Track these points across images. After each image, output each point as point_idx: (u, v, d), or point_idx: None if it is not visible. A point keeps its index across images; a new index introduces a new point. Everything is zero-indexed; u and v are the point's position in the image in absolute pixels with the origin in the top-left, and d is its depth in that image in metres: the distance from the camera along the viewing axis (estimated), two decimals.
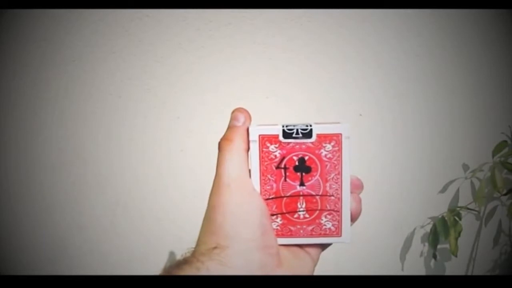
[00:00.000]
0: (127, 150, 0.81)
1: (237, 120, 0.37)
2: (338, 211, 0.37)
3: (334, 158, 0.36)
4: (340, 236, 0.37)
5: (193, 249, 0.34)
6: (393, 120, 0.82)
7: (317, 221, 0.37)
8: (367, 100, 0.81)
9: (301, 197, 0.37)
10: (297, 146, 0.36)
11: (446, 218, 0.81)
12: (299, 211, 0.37)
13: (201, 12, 0.76)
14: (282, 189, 0.36)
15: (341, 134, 0.36)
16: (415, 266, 0.87)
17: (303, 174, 0.36)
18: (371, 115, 0.82)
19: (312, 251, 0.38)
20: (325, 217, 0.37)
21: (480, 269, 0.86)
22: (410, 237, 0.87)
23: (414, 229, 0.86)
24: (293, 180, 0.36)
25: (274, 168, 0.36)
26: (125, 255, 0.84)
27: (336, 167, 0.36)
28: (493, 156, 0.81)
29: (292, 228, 0.37)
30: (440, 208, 0.85)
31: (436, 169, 0.84)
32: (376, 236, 0.86)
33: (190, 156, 0.81)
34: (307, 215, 0.37)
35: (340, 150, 0.36)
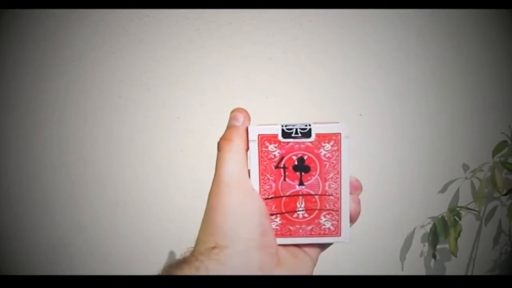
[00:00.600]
0: (127, 150, 0.81)
1: (237, 120, 0.37)
2: (337, 211, 0.37)
3: (333, 158, 0.36)
4: (340, 235, 0.37)
5: (192, 248, 0.34)
6: (393, 120, 0.82)
7: (316, 220, 0.37)
8: (367, 100, 0.81)
9: (300, 197, 0.37)
10: (296, 146, 0.36)
11: (446, 218, 0.81)
12: (298, 210, 0.37)
13: (201, 12, 0.76)
14: (281, 189, 0.36)
15: (340, 133, 0.36)
16: (415, 266, 0.87)
17: (302, 173, 0.36)
18: (371, 115, 0.82)
19: (311, 251, 0.38)
20: (324, 216, 0.37)
21: (480, 269, 0.86)
22: (410, 237, 0.87)
23: (414, 229, 0.87)
24: (292, 180, 0.36)
25: (273, 168, 0.36)
26: (125, 255, 0.84)
27: (335, 166, 0.36)
28: (493, 156, 0.81)
29: (291, 227, 0.37)
30: (440, 208, 0.85)
31: (436, 169, 0.84)
32: (375, 236, 0.86)
33: (190, 156, 0.81)
34: (306, 215, 0.37)
35: (339, 149, 0.36)
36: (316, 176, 0.36)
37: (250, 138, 0.36)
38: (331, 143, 0.36)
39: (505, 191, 0.80)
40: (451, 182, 0.85)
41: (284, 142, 0.36)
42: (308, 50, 0.79)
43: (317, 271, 0.38)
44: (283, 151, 0.36)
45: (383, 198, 0.84)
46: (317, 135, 0.36)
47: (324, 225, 0.37)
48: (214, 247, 0.32)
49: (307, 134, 0.36)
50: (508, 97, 0.83)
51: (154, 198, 0.83)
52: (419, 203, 0.85)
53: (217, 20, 0.77)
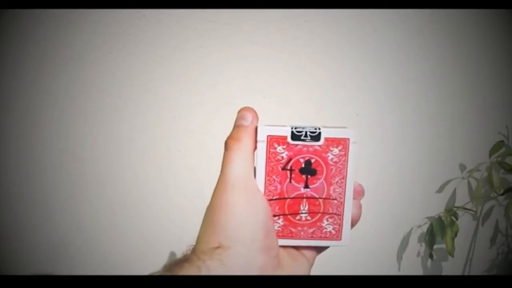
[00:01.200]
0: (126, 150, 0.82)
1: (245, 120, 0.36)
2: (340, 215, 0.37)
3: (340, 162, 0.36)
4: (340, 239, 0.38)
5: (193, 246, 0.34)
6: (391, 120, 0.83)
7: (318, 224, 0.37)
8: (366, 100, 0.81)
9: (305, 199, 0.37)
10: (305, 149, 0.36)
11: (443, 218, 0.81)
12: (302, 213, 0.37)
13: (199, 12, 0.76)
14: (286, 191, 0.36)
15: (348, 139, 0.36)
16: (412, 266, 0.87)
17: (308, 176, 0.36)
18: (369, 115, 0.82)
19: (309, 253, 0.38)
20: (327, 220, 0.37)
21: (477, 269, 0.87)
22: (407, 237, 0.87)
23: (411, 229, 0.87)
24: (298, 182, 0.36)
25: (280, 169, 0.36)
26: (124, 255, 0.85)
27: (342, 171, 0.36)
28: (490, 156, 0.81)
29: (293, 229, 0.37)
30: (437, 208, 0.85)
31: (433, 169, 0.85)
32: (373, 236, 0.86)
33: (189, 155, 0.82)
34: (309, 218, 0.37)
35: (346, 154, 0.36)
36: (322, 180, 0.36)
37: (258, 138, 0.36)
38: (339, 148, 0.36)
39: (502, 191, 0.80)
40: (448, 182, 0.85)
41: (292, 144, 0.36)
42: (306, 50, 0.79)
43: (314, 271, 0.38)
44: (291, 153, 0.36)
45: (380, 198, 0.85)
46: (326, 139, 0.36)
47: (325, 228, 0.37)
48: (217, 247, 0.32)
49: (316, 137, 0.36)
50: (505, 97, 0.83)
51: (153, 198, 0.83)
52: (416, 203, 0.86)
53: (216, 20, 0.77)
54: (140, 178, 0.82)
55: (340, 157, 0.36)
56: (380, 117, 0.82)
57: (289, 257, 0.37)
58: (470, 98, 0.83)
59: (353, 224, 0.38)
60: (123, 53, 0.78)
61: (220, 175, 0.35)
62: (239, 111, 0.37)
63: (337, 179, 0.36)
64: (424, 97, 0.82)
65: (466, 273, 0.84)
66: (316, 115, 0.81)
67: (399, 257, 0.87)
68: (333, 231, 0.37)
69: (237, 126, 0.36)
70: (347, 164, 0.36)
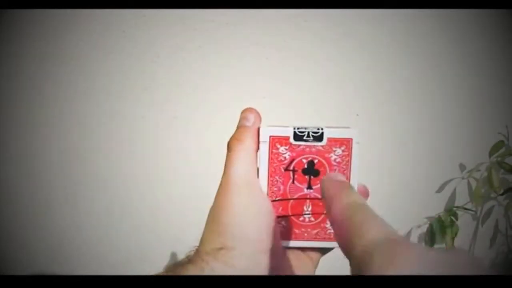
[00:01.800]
0: (125, 150, 0.82)
1: (247, 120, 0.36)
2: None
3: (343, 163, 0.36)
4: None
5: (197, 247, 0.33)
6: (390, 120, 0.83)
7: (322, 225, 0.37)
8: (365, 100, 0.81)
9: (308, 200, 0.36)
10: (307, 149, 0.35)
11: (442, 218, 0.81)
12: (305, 214, 0.37)
13: (199, 12, 0.76)
14: (289, 192, 0.36)
15: (351, 139, 0.35)
16: None
17: (311, 177, 0.36)
18: (369, 115, 0.82)
19: (313, 255, 0.38)
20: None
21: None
22: (407, 237, 0.87)
23: (411, 229, 0.87)
24: (301, 183, 0.36)
25: (282, 170, 0.36)
26: (124, 255, 0.85)
27: (345, 171, 0.36)
28: (490, 156, 0.81)
29: (296, 231, 0.37)
30: (437, 208, 0.85)
31: (432, 169, 0.85)
32: None
33: (188, 155, 0.82)
34: (312, 219, 0.37)
35: (349, 155, 0.36)
36: None
37: (261, 139, 0.35)
38: (342, 148, 0.36)
39: (501, 191, 0.80)
40: (448, 182, 0.85)
41: (295, 145, 0.35)
42: (306, 50, 0.79)
43: (316, 272, 0.38)
44: (294, 154, 0.35)
45: (379, 198, 0.85)
46: (329, 139, 0.35)
47: (329, 229, 0.37)
48: (221, 248, 0.32)
49: (319, 137, 0.35)
50: (505, 97, 0.83)
51: (153, 198, 0.83)
52: (416, 203, 0.86)
53: (216, 20, 0.77)
54: (139, 178, 0.82)
55: (343, 157, 0.36)
56: (379, 117, 0.82)
57: (293, 258, 0.37)
58: (470, 98, 0.83)
59: None
60: (123, 53, 0.78)
61: (223, 176, 0.35)
62: (242, 112, 0.37)
63: None
64: (424, 97, 0.82)
65: (465, 273, 0.83)
66: (316, 115, 0.81)
67: None
68: None
69: (239, 127, 0.36)
70: (350, 165, 0.36)
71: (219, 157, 0.82)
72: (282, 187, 0.36)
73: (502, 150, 0.80)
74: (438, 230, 0.80)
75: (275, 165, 0.36)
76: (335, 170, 0.36)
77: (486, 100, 0.83)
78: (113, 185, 0.82)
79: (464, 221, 0.86)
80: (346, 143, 0.35)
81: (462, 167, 0.85)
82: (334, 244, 0.37)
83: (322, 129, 0.35)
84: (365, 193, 0.38)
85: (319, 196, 0.36)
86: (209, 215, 0.34)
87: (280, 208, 0.36)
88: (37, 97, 0.79)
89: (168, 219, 0.84)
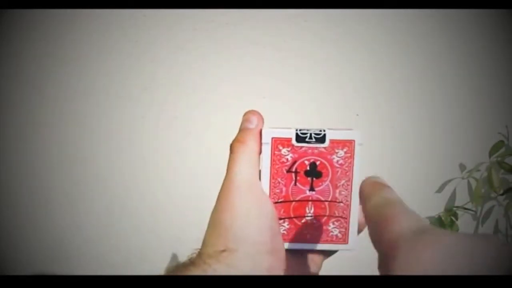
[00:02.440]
0: (125, 150, 0.82)
1: (250, 122, 0.36)
2: (346, 218, 0.36)
3: (346, 165, 0.36)
4: (347, 243, 0.37)
5: (199, 250, 0.33)
6: (390, 120, 0.83)
7: (324, 227, 0.36)
8: (365, 100, 0.82)
9: (310, 202, 0.36)
10: (309, 151, 0.35)
11: (442, 218, 0.81)
12: (307, 216, 0.36)
13: (199, 12, 0.76)
14: (292, 193, 0.36)
15: (354, 140, 0.35)
16: None
17: (314, 179, 0.36)
18: (368, 115, 0.82)
19: (316, 257, 0.38)
20: (333, 223, 0.36)
21: None
22: (436, 228, 0.87)
23: None
24: (303, 185, 0.36)
25: (284, 172, 0.36)
26: (124, 255, 0.85)
27: (347, 173, 0.36)
28: (490, 156, 0.81)
29: (299, 233, 0.37)
30: (437, 208, 0.85)
31: (432, 169, 0.85)
32: None
33: (188, 155, 0.82)
34: (314, 221, 0.36)
35: (352, 156, 0.36)
36: (327, 182, 0.36)
37: (263, 140, 0.35)
38: (345, 150, 0.35)
39: (501, 191, 0.80)
40: (447, 182, 0.85)
41: (297, 147, 0.35)
42: (306, 50, 0.79)
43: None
44: (296, 156, 0.35)
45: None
46: (331, 141, 0.35)
47: (332, 232, 0.37)
48: (223, 250, 0.32)
49: (321, 139, 0.35)
50: (505, 97, 0.83)
51: (153, 198, 0.83)
52: (416, 203, 0.85)
53: (216, 20, 0.77)
54: (139, 178, 0.82)
55: (346, 159, 0.35)
56: (379, 117, 0.82)
57: (296, 261, 0.36)
58: (470, 98, 0.83)
59: (360, 229, 0.37)
60: (122, 53, 0.78)
61: (226, 177, 0.34)
62: (245, 114, 0.37)
63: (343, 181, 0.36)
64: (424, 97, 0.82)
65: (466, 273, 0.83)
66: (316, 115, 0.81)
67: None
68: (339, 235, 0.37)
69: (242, 129, 0.36)
70: (352, 167, 0.36)
71: (219, 157, 0.82)
72: (284, 189, 0.36)
73: (502, 150, 0.80)
74: None
75: (277, 166, 0.35)
76: (338, 172, 0.36)
77: (486, 100, 0.83)
78: (113, 185, 0.82)
79: (464, 221, 0.86)
80: (348, 144, 0.35)
81: (462, 167, 0.85)
82: (336, 246, 0.37)
83: (324, 130, 0.35)
84: None
85: (322, 198, 0.36)
86: (211, 217, 0.34)
87: (282, 210, 0.36)
88: (37, 97, 0.79)
89: (168, 219, 0.84)
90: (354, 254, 0.39)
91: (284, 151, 0.35)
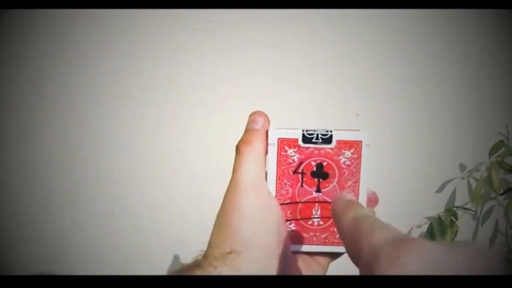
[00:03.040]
0: (125, 150, 0.82)
1: (256, 123, 0.36)
2: None
3: (353, 166, 0.35)
4: None
5: (204, 251, 0.33)
6: (390, 120, 0.83)
7: (331, 229, 0.36)
8: (365, 100, 0.82)
9: (317, 204, 0.36)
10: (316, 152, 0.35)
11: (442, 218, 0.81)
12: (314, 218, 0.36)
13: (199, 12, 0.77)
14: (298, 195, 0.36)
15: (361, 141, 0.35)
16: None
17: (320, 180, 0.35)
18: (368, 115, 0.82)
19: (322, 260, 0.37)
20: None
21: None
22: (414, 236, 0.87)
23: (411, 229, 0.87)
24: (310, 186, 0.35)
25: (291, 173, 0.35)
26: (124, 255, 0.85)
27: (354, 174, 0.35)
28: (490, 156, 0.81)
29: (305, 235, 0.36)
30: (437, 208, 0.85)
31: (433, 169, 0.85)
32: None
33: (188, 155, 0.82)
34: (321, 222, 0.36)
35: (359, 157, 0.35)
36: (334, 183, 0.35)
37: (269, 141, 0.35)
38: (352, 151, 0.35)
39: (501, 191, 0.80)
40: (447, 182, 0.85)
41: (304, 147, 0.35)
42: (306, 50, 0.79)
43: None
44: (302, 156, 0.35)
45: (379, 198, 0.85)
46: (338, 141, 0.35)
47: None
48: (229, 253, 0.31)
49: (328, 140, 0.35)
50: (505, 97, 0.83)
51: (153, 198, 0.83)
52: (416, 203, 0.86)
53: (216, 20, 0.77)
54: (139, 178, 0.82)
55: (353, 160, 0.35)
56: (380, 117, 0.82)
57: (302, 263, 0.36)
58: (470, 98, 0.83)
59: None
60: (122, 53, 0.78)
61: (232, 179, 0.34)
62: (250, 115, 0.37)
63: (350, 183, 0.35)
64: (423, 97, 0.82)
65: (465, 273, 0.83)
66: (316, 115, 0.81)
67: None
68: None
69: (248, 130, 0.36)
70: (360, 168, 0.35)
71: (219, 157, 0.82)
72: (290, 190, 0.35)
73: (502, 150, 0.80)
74: (438, 230, 0.80)
75: (283, 167, 0.35)
76: (345, 173, 0.35)
77: (486, 100, 0.83)
78: (113, 185, 0.82)
79: (464, 221, 0.86)
80: (355, 145, 0.35)
81: (462, 167, 0.85)
82: (343, 249, 0.36)
83: (331, 131, 0.35)
84: (374, 200, 0.37)
85: (329, 200, 0.36)
86: (216, 218, 0.34)
87: (289, 212, 0.36)
88: (37, 97, 0.79)
89: (168, 219, 0.84)
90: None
91: (290, 151, 0.35)
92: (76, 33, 0.77)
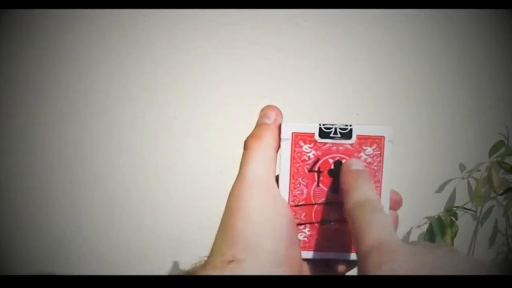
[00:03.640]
0: (125, 150, 0.82)
1: (268, 117, 0.33)
2: None
3: (374, 164, 0.32)
4: None
5: (206, 258, 0.30)
6: (389, 120, 0.83)
7: (349, 234, 0.32)
8: (365, 100, 0.82)
9: (335, 206, 0.32)
10: (334, 148, 0.32)
11: (442, 218, 0.81)
12: (331, 221, 0.32)
13: (199, 12, 0.77)
14: (314, 196, 0.32)
15: (383, 137, 0.32)
16: None
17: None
18: (368, 115, 0.82)
19: (340, 268, 0.34)
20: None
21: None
22: (407, 237, 0.87)
23: (411, 229, 0.87)
24: (327, 186, 0.32)
25: (306, 171, 0.32)
26: (124, 255, 0.85)
27: (376, 173, 0.32)
28: (489, 156, 0.81)
29: (321, 240, 0.32)
30: (437, 208, 0.85)
31: (432, 169, 0.85)
32: None
33: (188, 155, 0.82)
34: (339, 227, 0.32)
35: (381, 154, 0.32)
36: None
37: (282, 136, 0.32)
38: (373, 147, 0.32)
39: (501, 191, 0.80)
40: (447, 182, 0.85)
41: (320, 143, 0.32)
42: (306, 50, 0.79)
43: None
44: (319, 153, 0.32)
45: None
46: (358, 137, 0.32)
47: None
48: (231, 261, 0.28)
49: (347, 135, 0.32)
50: (505, 97, 0.83)
51: (153, 198, 0.83)
52: (416, 203, 0.86)
53: (216, 20, 0.77)
54: (139, 178, 0.82)
55: (375, 157, 0.32)
56: (379, 117, 0.82)
57: (315, 272, 0.33)
58: (470, 98, 0.83)
59: None
60: (122, 53, 0.78)
61: (237, 176, 0.31)
62: (262, 110, 0.34)
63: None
64: (423, 97, 0.82)
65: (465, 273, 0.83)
66: (316, 115, 0.81)
67: None
68: None
69: (258, 125, 0.33)
70: (382, 166, 0.32)
71: (219, 157, 0.82)
72: (305, 191, 0.32)
73: (502, 150, 0.80)
74: (438, 230, 0.80)
75: (298, 165, 0.32)
76: None
77: (486, 100, 0.83)
78: (113, 185, 0.82)
79: (464, 221, 0.86)
80: (377, 141, 0.32)
81: (462, 167, 0.85)
82: None
83: (350, 125, 0.32)
84: (398, 201, 0.34)
85: None
86: (221, 220, 0.31)
87: (303, 214, 0.32)
88: (37, 97, 0.79)
89: (168, 219, 0.84)
90: None
91: (305, 147, 0.32)
92: (76, 33, 0.77)
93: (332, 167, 0.32)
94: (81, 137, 0.81)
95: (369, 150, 0.32)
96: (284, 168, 0.32)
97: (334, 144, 0.32)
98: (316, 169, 0.32)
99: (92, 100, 0.80)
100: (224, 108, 0.80)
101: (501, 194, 0.81)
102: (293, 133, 0.32)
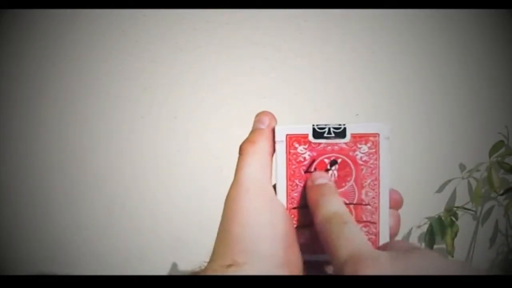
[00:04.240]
0: (125, 150, 0.82)
1: (262, 123, 0.33)
2: (375, 223, 0.32)
3: (371, 162, 0.32)
4: None
5: (206, 263, 0.30)
6: (390, 120, 0.83)
7: None
8: (364, 100, 0.82)
9: None
10: (329, 147, 0.31)
11: (442, 218, 0.81)
12: None
13: (199, 12, 0.77)
14: None
15: (378, 134, 0.32)
16: None
17: (336, 179, 0.32)
18: (368, 115, 0.82)
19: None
20: (361, 230, 0.31)
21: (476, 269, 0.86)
22: (407, 237, 0.87)
23: (411, 229, 0.87)
24: None
25: (302, 173, 0.32)
26: (124, 255, 0.85)
27: (373, 171, 0.32)
28: (490, 156, 0.81)
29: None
30: (437, 208, 0.85)
31: (433, 169, 0.85)
32: None
33: (188, 156, 0.82)
34: None
35: (377, 152, 0.32)
36: (351, 182, 0.32)
37: (277, 138, 0.32)
38: (369, 145, 0.32)
39: (501, 191, 0.80)
40: (448, 182, 0.85)
41: (315, 143, 0.32)
42: (306, 50, 0.79)
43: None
44: (314, 154, 0.32)
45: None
46: (353, 135, 0.31)
47: None
48: (230, 265, 0.29)
49: (341, 134, 0.31)
50: (505, 97, 0.83)
51: (153, 198, 0.83)
52: (416, 203, 0.86)
53: (215, 20, 0.77)
54: (139, 178, 0.82)
55: (371, 155, 0.32)
56: (379, 117, 0.82)
57: (316, 274, 0.34)
58: (470, 98, 0.83)
59: (393, 234, 0.33)
60: (122, 53, 0.78)
61: (233, 181, 0.31)
62: (256, 116, 0.34)
63: (368, 181, 0.32)
64: (423, 97, 0.82)
65: (465, 273, 0.83)
66: (316, 115, 0.81)
67: None
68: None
69: (253, 130, 0.33)
70: (379, 164, 0.32)
71: (219, 157, 0.82)
72: (303, 192, 0.32)
73: (502, 150, 0.80)
74: (438, 230, 0.80)
75: (294, 167, 0.32)
76: (362, 170, 0.32)
77: (486, 100, 0.83)
78: (113, 185, 0.82)
79: (464, 221, 0.86)
80: (372, 139, 0.32)
81: (462, 167, 0.85)
82: None
83: (344, 124, 0.32)
84: (398, 200, 0.34)
85: (346, 201, 0.32)
86: (219, 225, 0.31)
87: (302, 217, 0.32)
88: (37, 97, 0.79)
89: (168, 219, 0.83)
90: None
91: (300, 149, 0.32)
92: (76, 33, 0.77)
93: (328, 167, 0.32)
94: (81, 137, 0.81)
95: (364, 148, 0.32)
96: (280, 170, 0.32)
97: (329, 144, 0.32)
98: (312, 170, 0.32)
99: (92, 100, 0.80)
100: (224, 108, 0.80)
101: (502, 194, 0.81)
102: (287, 135, 0.32)
